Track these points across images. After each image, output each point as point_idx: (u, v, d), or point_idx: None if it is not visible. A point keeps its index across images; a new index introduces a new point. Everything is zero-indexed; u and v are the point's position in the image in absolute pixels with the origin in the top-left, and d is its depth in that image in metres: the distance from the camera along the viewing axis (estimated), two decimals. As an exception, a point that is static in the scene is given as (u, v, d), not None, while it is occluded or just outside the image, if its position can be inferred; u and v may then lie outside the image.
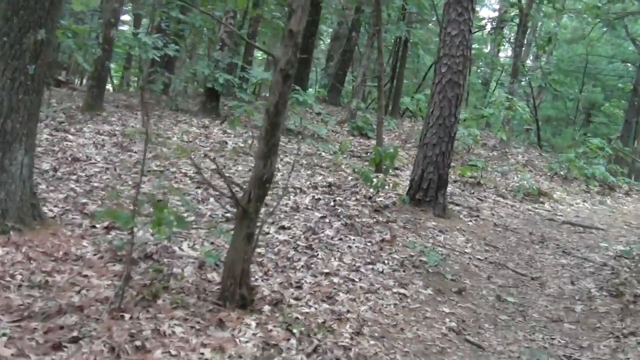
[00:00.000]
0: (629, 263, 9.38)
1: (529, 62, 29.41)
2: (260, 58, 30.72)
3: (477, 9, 31.85)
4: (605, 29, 30.27)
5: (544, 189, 15.39)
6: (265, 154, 5.07)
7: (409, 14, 22.83)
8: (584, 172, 17.48)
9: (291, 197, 9.79)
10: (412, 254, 7.98)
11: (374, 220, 9.21)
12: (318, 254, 7.36)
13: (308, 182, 11.11)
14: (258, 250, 7.01)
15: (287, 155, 13.52)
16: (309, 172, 12.26)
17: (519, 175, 15.92)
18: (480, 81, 33.98)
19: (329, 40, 30.41)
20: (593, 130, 33.59)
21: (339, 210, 9.32)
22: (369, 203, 9.99)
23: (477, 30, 28.64)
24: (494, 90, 31.58)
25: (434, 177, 10.20)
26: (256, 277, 6.25)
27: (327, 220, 8.82)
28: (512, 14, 26.22)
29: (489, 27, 29.84)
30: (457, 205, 11.73)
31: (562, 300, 7.67)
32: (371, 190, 10.25)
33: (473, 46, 31.36)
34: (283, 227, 8.18)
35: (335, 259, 7.36)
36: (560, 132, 35.36)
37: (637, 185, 18.97)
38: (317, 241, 7.87)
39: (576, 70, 32.78)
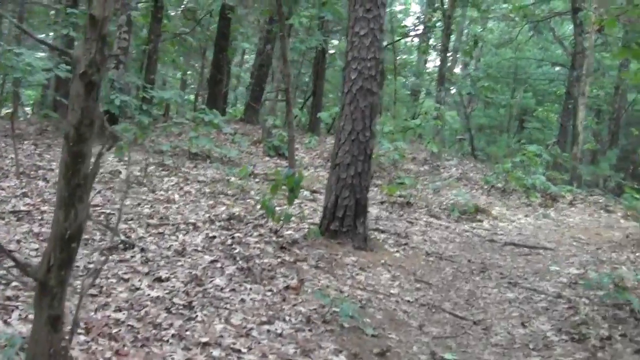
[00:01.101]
0: (586, 292, 7.87)
1: (457, 70, 28.29)
2: (174, 78, 28.88)
3: (400, 16, 30.70)
4: (532, 33, 29.47)
5: (481, 205, 13.95)
6: (66, 200, 3.37)
7: (326, 23, 21.27)
8: (523, 183, 16.10)
9: (179, 236, 8.06)
10: (323, 304, 6.30)
11: (279, 260, 7.54)
12: (197, 315, 5.64)
13: (207, 215, 9.42)
14: (116, 316, 5.31)
15: (188, 184, 11.81)
16: (210, 202, 10.57)
17: (453, 191, 14.45)
18: (408, 92, 32.73)
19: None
20: (527, 137, 32.71)
21: (236, 250, 7.63)
22: (274, 238, 8.30)
23: (400, 37, 27.40)
24: (422, 101, 30.32)
25: (350, 203, 8.58)
26: (98, 362, 4.54)
27: (219, 264, 7.11)
28: (436, 19, 25.01)
29: (412, 34, 28.55)
30: (383, 232, 10.15)
31: (513, 351, 6.14)
32: (277, 223, 8.55)
33: (398, 56, 30.42)
34: (159, 279, 6.43)
35: (220, 319, 5.66)
36: (494, 141, 34.28)
37: (581, 193, 17.64)
38: (201, 295, 6.16)
39: (506, 76, 31.79)
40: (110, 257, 6.75)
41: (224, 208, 10.12)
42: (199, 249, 7.60)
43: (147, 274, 6.49)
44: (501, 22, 30.35)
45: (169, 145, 13.87)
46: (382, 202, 13.00)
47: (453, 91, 29.22)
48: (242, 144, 15.71)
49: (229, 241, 7.98)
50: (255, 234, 8.42)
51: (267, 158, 16.08)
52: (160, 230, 8.23)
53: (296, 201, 11.14)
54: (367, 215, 8.94)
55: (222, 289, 6.42)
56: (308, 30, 22.62)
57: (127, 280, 6.18)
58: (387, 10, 26.17)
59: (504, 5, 24.21)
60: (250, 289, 6.53)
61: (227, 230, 8.51)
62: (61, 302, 3.47)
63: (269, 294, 6.50)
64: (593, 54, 21.64)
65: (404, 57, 32.07)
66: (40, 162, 11.77)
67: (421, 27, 27.53)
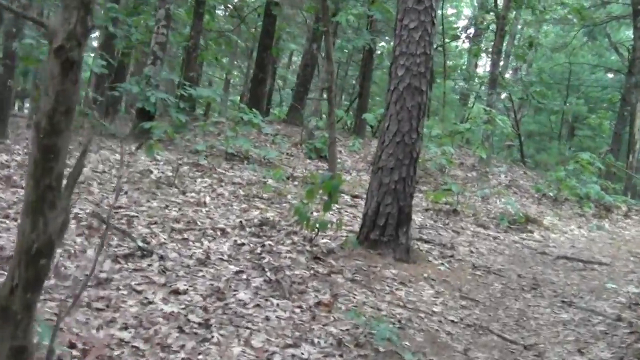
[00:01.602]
0: (650, 316, 7.11)
1: (507, 75, 27.37)
2: (220, 79, 28.38)
3: (452, 19, 29.87)
4: (586, 39, 28.48)
5: (531, 215, 13.17)
6: (33, 205, 2.74)
7: (374, 22, 20.56)
8: (576, 192, 15.25)
9: (205, 242, 7.44)
10: (357, 324, 5.62)
11: (312, 272, 6.88)
12: (214, 336, 4.99)
13: (239, 220, 8.81)
14: (121, 335, 4.70)
15: (222, 185, 11.23)
16: (244, 205, 9.97)
17: (502, 200, 13.66)
18: (457, 96, 31.88)
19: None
20: (578, 144, 31.76)
21: (265, 260, 6.99)
22: (308, 248, 7.65)
23: (450, 40, 26.59)
24: (472, 105, 29.43)
25: (392, 211, 7.89)
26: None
27: (244, 276, 6.47)
28: (488, 21, 24.18)
29: (463, 36, 27.71)
30: (427, 242, 9.44)
31: (570, 384, 5.41)
32: (311, 231, 7.88)
33: (449, 60, 29.56)
34: (176, 292, 5.80)
35: (240, 341, 4.99)
36: (543, 148, 33.26)
37: (636, 204, 16.71)
38: (221, 312, 5.51)
39: (558, 82, 30.76)
40: (125, 266, 6.16)
41: (257, 212, 9.52)
42: (225, 257, 6.97)
43: (163, 285, 5.86)
44: (556, 26, 29.40)
45: (205, 145, 13.30)
46: (426, 210, 12.28)
47: (503, 96, 28.32)
48: (283, 145, 15.09)
49: (259, 249, 7.34)
50: (288, 242, 7.77)
51: (308, 160, 15.45)
52: (185, 235, 7.62)
53: (335, 207, 10.51)
54: (411, 224, 8.23)
55: (245, 304, 5.77)
56: (356, 31, 21.97)
57: (139, 292, 5.55)
58: (439, 12, 25.52)
59: (560, 8, 23.23)
60: (277, 304, 5.88)
61: (257, 237, 7.88)
62: (27, 331, 2.84)
63: (297, 310, 5.83)
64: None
65: (455, 61, 31.21)
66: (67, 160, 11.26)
67: (473, 29, 26.66)
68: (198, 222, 8.34)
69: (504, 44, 20.44)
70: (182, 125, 14.39)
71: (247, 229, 8.22)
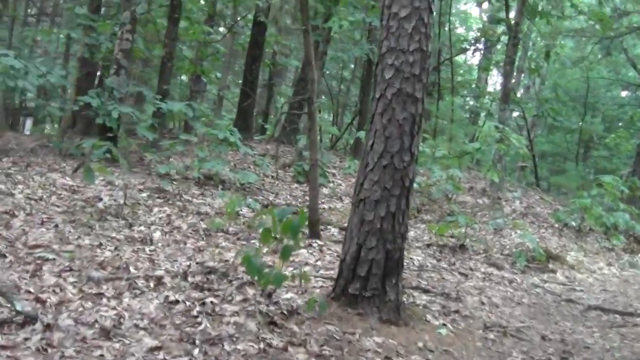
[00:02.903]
0: None
1: (519, 94, 25.50)
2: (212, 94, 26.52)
3: (460, 32, 28.07)
4: (600, 56, 26.68)
5: (552, 250, 11.26)
6: None
7: (372, 31, 18.61)
8: (602, 221, 13.29)
9: (125, 300, 5.55)
10: None
11: (262, 345, 4.97)
12: None
13: (188, 264, 6.95)
14: None
15: (183, 216, 9.39)
16: (201, 243, 8.11)
17: (518, 232, 11.70)
18: (467, 115, 29.95)
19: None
20: (594, 166, 29.86)
21: (200, 327, 5.12)
22: (264, 307, 5.72)
23: (458, 53, 24.74)
24: (483, 123, 27.46)
25: (378, 257, 5.97)
26: None
27: (161, 355, 4.57)
28: (498, 34, 22.35)
29: (472, 49, 25.88)
30: (426, 291, 7.52)
31: None
32: (264, 287, 5.90)
33: (457, 76, 27.71)
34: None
35: None
36: (557, 169, 31.30)
37: (670, 235, 14.72)
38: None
39: (574, 99, 28.87)
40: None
41: (216, 252, 7.66)
42: (144, 324, 5.07)
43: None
44: (571, 40, 27.52)
45: (169, 167, 11.42)
46: (428, 245, 10.38)
47: (515, 114, 26.46)
48: (265, 167, 13.17)
49: (196, 310, 5.44)
50: (239, 298, 5.86)
51: (295, 185, 13.58)
52: (104, 288, 5.74)
53: (316, 244, 8.67)
54: (402, 274, 6.30)
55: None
56: (356, 43, 20.10)
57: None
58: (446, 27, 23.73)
59: (576, 17, 21.35)
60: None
61: (200, 291, 5.99)
62: None
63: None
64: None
65: (464, 77, 29.32)
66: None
67: (482, 42, 24.78)
68: (131, 268, 6.47)
69: (517, 56, 18.52)
70: (149, 145, 12.59)
71: (191, 279, 6.31)
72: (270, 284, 5.29)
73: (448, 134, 22.89)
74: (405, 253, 9.32)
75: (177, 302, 5.59)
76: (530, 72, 21.66)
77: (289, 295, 6.10)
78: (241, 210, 10.35)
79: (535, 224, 13.89)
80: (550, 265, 10.43)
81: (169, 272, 6.51)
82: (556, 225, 13.80)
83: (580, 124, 26.96)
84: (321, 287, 6.66)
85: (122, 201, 9.29)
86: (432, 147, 13.72)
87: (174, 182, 11.55)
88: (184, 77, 25.63)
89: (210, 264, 6.98)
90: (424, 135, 14.88)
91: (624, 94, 32.15)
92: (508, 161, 22.90)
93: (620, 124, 31.20)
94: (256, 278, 5.37)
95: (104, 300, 5.40)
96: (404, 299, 6.50)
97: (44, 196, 9.15)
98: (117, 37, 12.60)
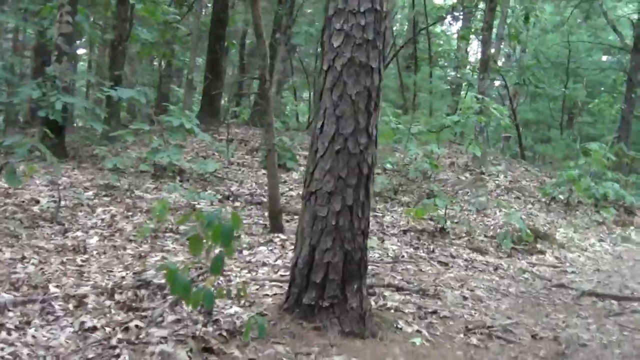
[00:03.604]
0: None
1: (500, 63, 24.55)
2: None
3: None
4: (580, 20, 25.84)
5: (540, 228, 10.37)
6: None
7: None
8: (591, 193, 12.40)
9: (30, 330, 4.60)
10: None
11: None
12: None
13: (121, 275, 6.03)
14: None
15: (129, 216, 8.44)
16: (144, 247, 7.19)
17: (503, 212, 10.80)
18: (448, 87, 28.89)
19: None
20: (578, 133, 28.98)
21: (115, 352, 4.19)
22: (201, 328, 4.77)
23: (435, 21, 23.75)
24: (464, 94, 26.44)
25: (335, 260, 5.03)
26: None
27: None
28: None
29: (449, 18, 24.89)
30: (400, 289, 6.59)
31: None
32: (193, 308, 4.92)
33: (435, 44, 26.72)
34: None
35: None
36: (542, 138, 30.40)
37: (663, 203, 13.85)
38: None
39: (555, 66, 27.95)
40: None
41: (158, 258, 6.72)
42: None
43: None
44: (550, 3, 26.55)
45: (117, 161, 10.42)
46: (405, 232, 9.47)
47: (497, 83, 25.52)
48: (226, 154, 12.17)
49: (116, 338, 4.50)
50: (171, 318, 4.91)
51: (263, 171, 12.63)
52: (8, 317, 4.79)
53: (277, 240, 7.78)
54: (365, 276, 5.35)
55: None
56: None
57: None
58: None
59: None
60: None
61: (126, 312, 5.04)
62: None
63: None
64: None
65: (441, 46, 28.31)
66: None
67: (459, 9, 23.76)
68: (52, 286, 5.52)
69: (495, 23, 17.56)
70: (101, 138, 11.61)
71: (118, 296, 5.37)
72: (200, 304, 4.34)
73: (428, 108, 21.92)
74: (380, 242, 8.46)
75: (94, 328, 4.65)
76: (510, 38, 20.68)
77: (233, 310, 5.16)
78: (198, 204, 9.43)
79: (520, 199, 13.01)
80: (539, 246, 9.59)
81: (96, 287, 5.58)
82: (543, 200, 12.92)
83: (564, 90, 26.03)
84: (275, 295, 5.73)
85: (63, 202, 8.34)
86: (408, 122, 12.74)
87: (127, 177, 10.59)
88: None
89: (150, 273, 6.04)
90: (397, 111, 13.89)
91: (604, 58, 31.31)
92: (491, 132, 22.04)
93: (602, 88, 30.41)
94: (183, 297, 4.40)
95: (3, 334, 4.45)
96: (372, 303, 5.60)
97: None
98: (57, 20, 11.55)
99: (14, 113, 15.46)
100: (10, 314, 4.84)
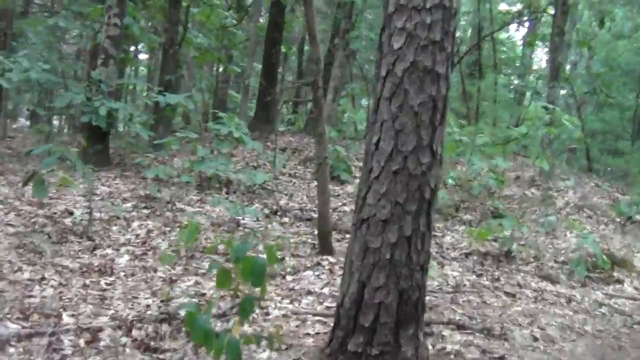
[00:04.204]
0: None
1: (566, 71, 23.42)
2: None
3: (501, 6, 26.07)
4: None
5: (616, 253, 9.40)
6: None
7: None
8: (673, 213, 11.40)
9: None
10: None
11: None
12: None
13: (147, 303, 5.36)
14: None
15: (166, 232, 7.80)
16: (178, 269, 6.49)
17: (574, 233, 9.87)
18: (512, 95, 27.73)
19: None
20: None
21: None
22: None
23: (500, 27, 22.74)
24: (529, 104, 25.25)
25: (388, 299, 4.26)
26: None
27: None
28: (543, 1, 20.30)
29: (516, 24, 23.87)
30: (461, 327, 5.76)
31: None
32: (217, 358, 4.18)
33: (500, 51, 25.67)
34: None
35: None
36: (609, 150, 28.97)
37: None
38: None
39: (625, 73, 26.55)
40: None
41: (191, 282, 6.04)
42: None
43: None
44: (621, 9, 25.31)
45: (158, 171, 9.76)
46: (467, 255, 8.63)
47: (563, 92, 24.34)
48: (276, 165, 11.44)
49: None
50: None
51: (315, 183, 11.91)
52: (6, 355, 4.14)
53: (328, 261, 7.07)
54: (422, 319, 4.56)
55: None
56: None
57: None
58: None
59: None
60: None
61: (143, 352, 4.35)
62: None
63: None
64: None
65: (506, 53, 27.24)
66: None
67: (527, 14, 22.70)
68: (65, 315, 4.88)
69: (565, 27, 16.54)
70: (145, 145, 11.03)
71: (137, 331, 4.68)
72: (223, 354, 3.60)
73: (492, 117, 20.91)
74: (439, 267, 7.64)
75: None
76: (579, 45, 19.58)
77: (266, 354, 4.42)
78: (243, 219, 8.75)
79: (592, 218, 12.00)
80: (616, 274, 8.63)
81: (115, 318, 4.91)
82: (618, 220, 11.90)
83: (638, 99, 24.70)
84: (317, 334, 4.97)
85: (98, 215, 7.74)
86: (472, 134, 11.82)
87: (170, 188, 9.95)
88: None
89: (178, 301, 5.35)
90: (460, 122, 12.97)
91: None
92: (556, 143, 20.96)
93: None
94: (205, 346, 3.66)
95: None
96: (429, 346, 4.81)
97: (0, 213, 7.62)
98: (104, 23, 11.02)
99: (71, 118, 15.03)
100: (12, 349, 4.20)
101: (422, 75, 4.24)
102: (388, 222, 4.26)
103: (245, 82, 18.67)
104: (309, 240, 8.27)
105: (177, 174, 10.29)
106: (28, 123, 20.68)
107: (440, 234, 9.71)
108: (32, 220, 7.50)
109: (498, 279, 7.72)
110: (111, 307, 5.17)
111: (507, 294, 7.17)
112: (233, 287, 3.79)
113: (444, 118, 4.37)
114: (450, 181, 11.81)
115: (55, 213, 7.94)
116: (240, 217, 8.75)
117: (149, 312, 5.08)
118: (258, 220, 8.77)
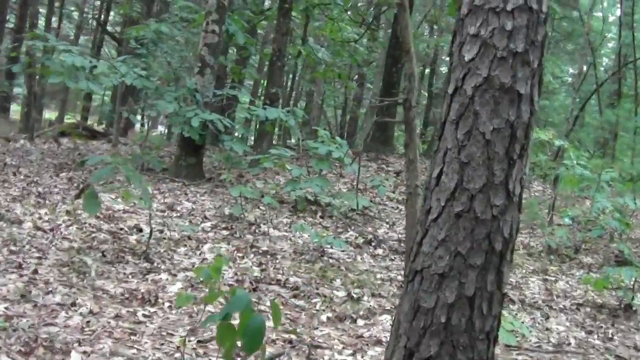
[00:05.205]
0: None
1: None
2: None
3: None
4: None
5: None
6: None
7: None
8: None
9: None
10: None
11: None
12: None
13: (188, 340, 4.68)
14: None
15: (243, 256, 7.14)
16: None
17: None
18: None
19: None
20: None
21: None
22: None
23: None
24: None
25: (442, 377, 3.38)
26: None
27: None
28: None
29: None
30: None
31: None
32: None
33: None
34: None
35: None
36: None
37: None
38: None
39: None
40: None
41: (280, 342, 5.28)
42: None
43: None
44: None
45: (244, 190, 9.10)
46: (579, 306, 7.52)
47: None
48: (381, 189, 10.60)
49: None
50: None
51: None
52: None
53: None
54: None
55: None
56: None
57: None
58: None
59: None
60: None
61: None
62: None
63: None
64: None
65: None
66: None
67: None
68: (74, 353, 4.26)
69: None
70: (233, 160, 10.45)
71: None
72: None
73: (629, 150, 19.35)
74: (543, 319, 6.66)
75: None
76: None
77: None
78: (330, 248, 7.99)
79: None
80: None
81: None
82: None
83: None
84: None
85: (168, 234, 7.16)
86: (598, 167, 10.61)
87: (260, 208, 9.31)
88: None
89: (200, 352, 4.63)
90: (582, 154, 11.71)
91: None
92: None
93: None
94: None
95: None
96: None
97: (62, 225, 7.15)
98: (202, 30, 10.57)
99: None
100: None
101: (498, 95, 3.35)
102: (445, 276, 3.38)
103: (372, 99, 17.96)
104: (399, 278, 7.43)
105: (260, 194, 9.62)
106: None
107: (553, 279, 8.64)
108: (93, 235, 7.00)
109: (611, 338, 6.61)
110: (134, 347, 4.49)
111: (619, 358, 6.08)
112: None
113: (526, 150, 3.44)
114: (566, 220, 10.62)
115: (122, 229, 7.44)
116: (329, 246, 7.99)
117: (177, 355, 4.38)
118: (343, 251, 7.98)
